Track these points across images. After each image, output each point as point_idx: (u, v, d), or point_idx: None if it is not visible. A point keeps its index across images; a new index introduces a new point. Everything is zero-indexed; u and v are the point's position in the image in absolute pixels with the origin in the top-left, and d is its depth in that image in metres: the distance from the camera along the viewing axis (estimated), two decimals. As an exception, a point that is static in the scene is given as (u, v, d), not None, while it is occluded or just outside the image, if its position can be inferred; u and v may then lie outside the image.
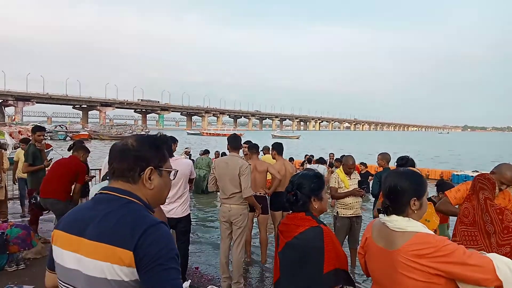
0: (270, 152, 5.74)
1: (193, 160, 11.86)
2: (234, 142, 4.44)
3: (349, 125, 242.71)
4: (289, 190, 1.98)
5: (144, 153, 1.31)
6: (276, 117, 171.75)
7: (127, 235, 1.17)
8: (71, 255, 1.22)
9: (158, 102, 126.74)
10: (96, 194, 1.30)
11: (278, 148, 5.64)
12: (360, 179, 5.08)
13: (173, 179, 1.38)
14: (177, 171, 1.42)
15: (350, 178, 4.89)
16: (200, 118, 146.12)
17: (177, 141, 4.89)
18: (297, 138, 71.24)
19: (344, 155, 5.44)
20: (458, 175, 15.01)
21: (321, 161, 10.85)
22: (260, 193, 5.20)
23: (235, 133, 4.80)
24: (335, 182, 4.87)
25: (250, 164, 4.43)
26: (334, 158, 11.17)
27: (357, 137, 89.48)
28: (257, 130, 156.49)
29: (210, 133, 79.21)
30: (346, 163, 4.89)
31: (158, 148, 1.35)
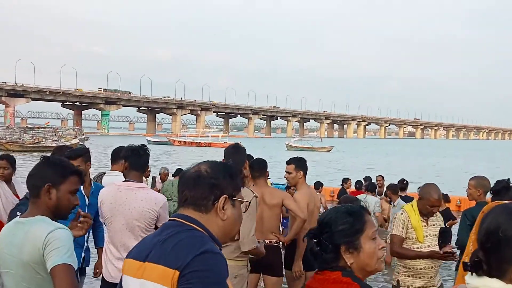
0: (289, 171, 5.57)
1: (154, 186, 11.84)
2: (234, 157, 4.44)
3: (413, 129, 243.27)
4: (311, 235, 2.05)
5: (220, 181, 1.89)
6: (294, 115, 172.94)
7: (181, 256, 1.73)
8: (136, 282, 1.83)
9: (129, 93, 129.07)
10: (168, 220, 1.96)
11: (303, 167, 5.57)
12: (443, 226, 4.82)
13: (244, 211, 1.97)
14: (249, 203, 1.99)
15: (427, 224, 4.69)
16: (170, 116, 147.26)
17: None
18: (329, 150, 71.48)
19: (426, 184, 4.81)
20: None
21: (371, 188, 10.80)
22: (271, 242, 5.18)
23: (237, 143, 4.80)
24: (402, 227, 4.64)
25: (256, 196, 4.41)
26: (394, 186, 11.01)
27: (428, 148, 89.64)
28: (262, 137, 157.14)
29: (185, 142, 79.55)
30: (426, 197, 4.58)
31: (233, 177, 1.94)
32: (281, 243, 5.41)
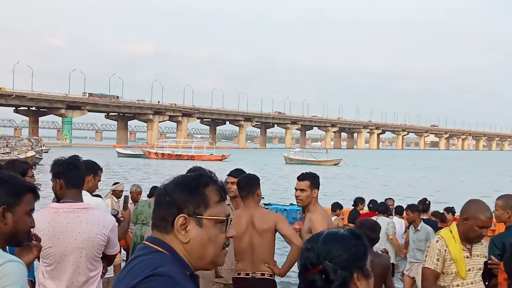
0: (303, 189, 5.42)
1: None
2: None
3: (437, 138, 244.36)
4: (311, 265, 2.04)
5: (175, 197, 1.92)
6: (294, 122, 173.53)
7: (130, 282, 1.82)
8: None
9: (118, 97, 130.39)
10: None
11: (318, 185, 5.50)
12: (487, 258, 4.42)
13: (225, 230, 1.96)
14: (230, 219, 1.99)
15: (470, 254, 4.48)
16: (145, 124, 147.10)
17: (101, 169, 4.93)
18: (336, 164, 71.79)
19: (471, 201, 4.56)
20: None
21: (383, 209, 10.83)
22: (263, 274, 5.22)
23: (198, 167, 4.90)
24: (438, 259, 4.45)
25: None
26: (416, 206, 10.97)
27: (456, 160, 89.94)
28: (256, 148, 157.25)
29: (163, 154, 79.57)
30: (474, 215, 4.34)
31: (194, 191, 1.93)
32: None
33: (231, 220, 1.98)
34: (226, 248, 2.00)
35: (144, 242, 1.98)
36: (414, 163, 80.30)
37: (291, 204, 21.00)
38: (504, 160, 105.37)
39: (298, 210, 19.69)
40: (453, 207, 11.83)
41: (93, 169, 4.86)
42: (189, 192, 1.93)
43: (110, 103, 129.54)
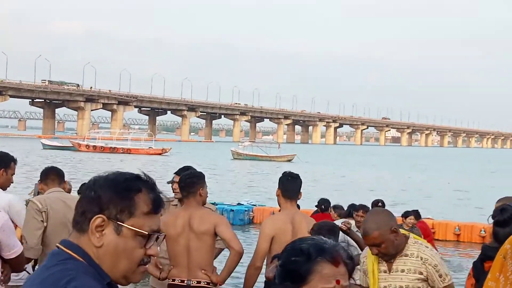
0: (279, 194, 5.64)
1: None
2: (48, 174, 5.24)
3: (399, 133, 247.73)
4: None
5: (101, 194, 1.87)
6: (244, 113, 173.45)
7: None
8: None
9: (78, 85, 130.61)
10: None
11: (289, 186, 5.71)
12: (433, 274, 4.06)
13: (148, 247, 1.89)
14: (165, 235, 1.95)
15: (389, 269, 4.07)
16: (75, 112, 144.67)
17: (14, 161, 4.89)
18: (290, 160, 72.43)
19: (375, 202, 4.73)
20: None
21: (351, 212, 10.72)
22: (199, 282, 5.28)
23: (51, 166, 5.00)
24: (359, 269, 4.16)
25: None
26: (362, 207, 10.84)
27: (420, 158, 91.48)
28: (200, 141, 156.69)
29: (95, 146, 78.54)
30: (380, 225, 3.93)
31: (122, 193, 1.88)
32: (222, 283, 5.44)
33: (157, 238, 1.92)
34: (146, 266, 1.95)
35: (57, 245, 1.90)
36: (374, 160, 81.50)
37: (239, 204, 21.05)
38: (472, 158, 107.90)
39: (246, 210, 19.82)
40: (416, 210, 11.76)
41: (4, 161, 4.76)
42: (117, 193, 1.88)
43: (35, 88, 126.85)
